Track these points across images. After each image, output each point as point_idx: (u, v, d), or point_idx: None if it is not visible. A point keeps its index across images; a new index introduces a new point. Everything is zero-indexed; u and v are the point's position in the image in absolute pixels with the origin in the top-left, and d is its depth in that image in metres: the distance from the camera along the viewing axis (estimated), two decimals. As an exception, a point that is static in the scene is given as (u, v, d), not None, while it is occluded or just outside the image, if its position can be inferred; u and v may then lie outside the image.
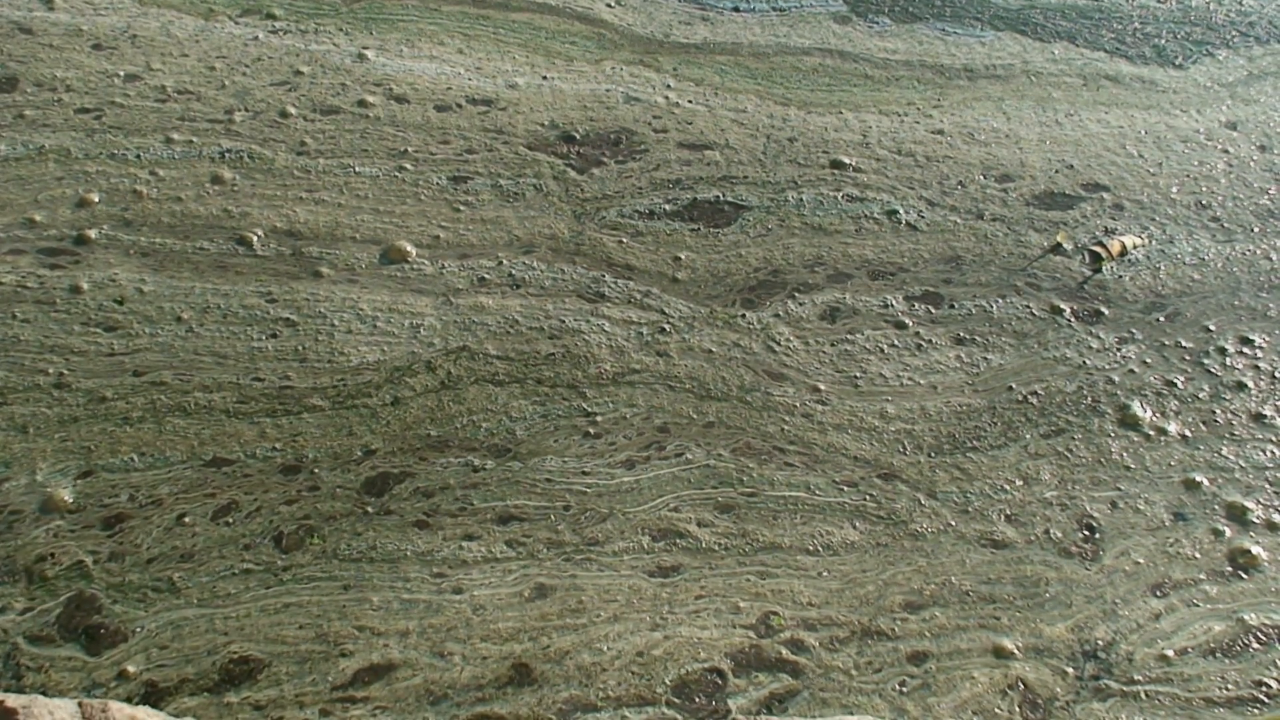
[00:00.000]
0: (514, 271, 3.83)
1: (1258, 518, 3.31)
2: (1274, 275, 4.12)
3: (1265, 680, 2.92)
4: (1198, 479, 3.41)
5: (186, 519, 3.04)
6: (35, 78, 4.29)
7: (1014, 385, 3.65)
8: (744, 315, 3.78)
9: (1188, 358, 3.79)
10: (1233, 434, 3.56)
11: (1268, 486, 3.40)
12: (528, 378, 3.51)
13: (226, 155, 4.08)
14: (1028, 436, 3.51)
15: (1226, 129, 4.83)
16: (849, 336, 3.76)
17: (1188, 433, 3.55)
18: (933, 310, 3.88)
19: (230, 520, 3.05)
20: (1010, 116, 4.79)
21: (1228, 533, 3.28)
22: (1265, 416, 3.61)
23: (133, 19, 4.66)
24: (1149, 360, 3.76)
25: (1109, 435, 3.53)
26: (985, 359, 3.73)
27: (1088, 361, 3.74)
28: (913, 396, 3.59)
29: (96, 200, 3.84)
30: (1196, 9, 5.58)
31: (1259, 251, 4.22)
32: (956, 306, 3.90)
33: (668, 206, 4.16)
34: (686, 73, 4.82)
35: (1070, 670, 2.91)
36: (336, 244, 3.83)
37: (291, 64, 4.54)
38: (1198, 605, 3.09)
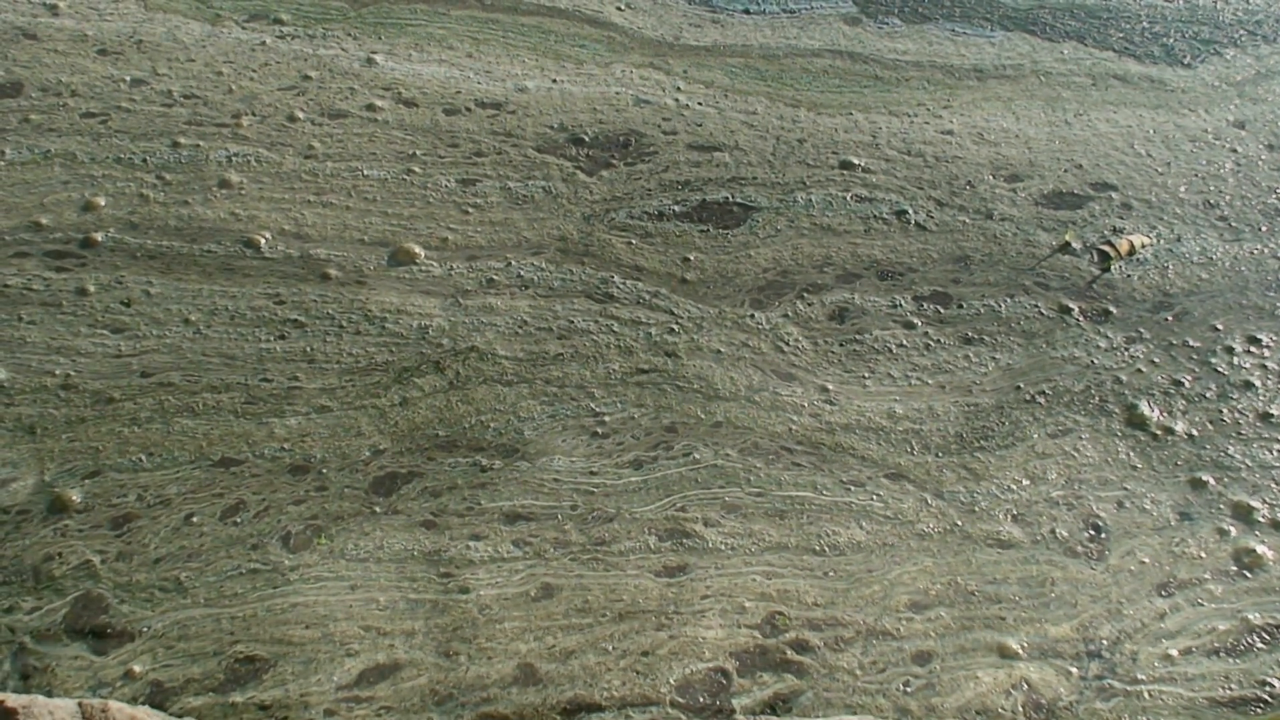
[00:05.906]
0: (522, 273, 3.84)
1: (1263, 517, 3.30)
2: (1282, 274, 4.12)
3: (1269, 680, 2.91)
4: (1204, 478, 3.41)
5: (194, 519, 3.05)
6: (40, 83, 4.31)
7: (1021, 385, 3.65)
8: (753, 315, 3.78)
9: (1195, 357, 3.78)
10: (1239, 433, 3.55)
11: (1274, 486, 3.39)
12: (536, 378, 3.51)
13: (234, 159, 4.09)
14: (1035, 436, 3.50)
15: (1234, 128, 4.82)
16: (857, 336, 3.76)
17: (1194, 432, 3.55)
18: (941, 310, 3.88)
19: (238, 520, 3.06)
20: (1019, 116, 4.79)
21: (1233, 532, 3.27)
22: (1272, 416, 3.60)
23: (139, 24, 4.68)
24: (1156, 360, 3.76)
25: (1116, 435, 3.52)
26: (993, 358, 3.73)
27: (1095, 361, 3.74)
28: (920, 396, 3.59)
29: (103, 204, 3.85)
30: (1204, 8, 5.57)
31: (1267, 250, 4.21)
32: (965, 306, 3.89)
33: (677, 208, 4.16)
34: (696, 75, 4.82)
35: (1075, 670, 2.91)
36: (344, 246, 3.84)
37: (299, 68, 4.56)
38: (1203, 605, 3.08)
